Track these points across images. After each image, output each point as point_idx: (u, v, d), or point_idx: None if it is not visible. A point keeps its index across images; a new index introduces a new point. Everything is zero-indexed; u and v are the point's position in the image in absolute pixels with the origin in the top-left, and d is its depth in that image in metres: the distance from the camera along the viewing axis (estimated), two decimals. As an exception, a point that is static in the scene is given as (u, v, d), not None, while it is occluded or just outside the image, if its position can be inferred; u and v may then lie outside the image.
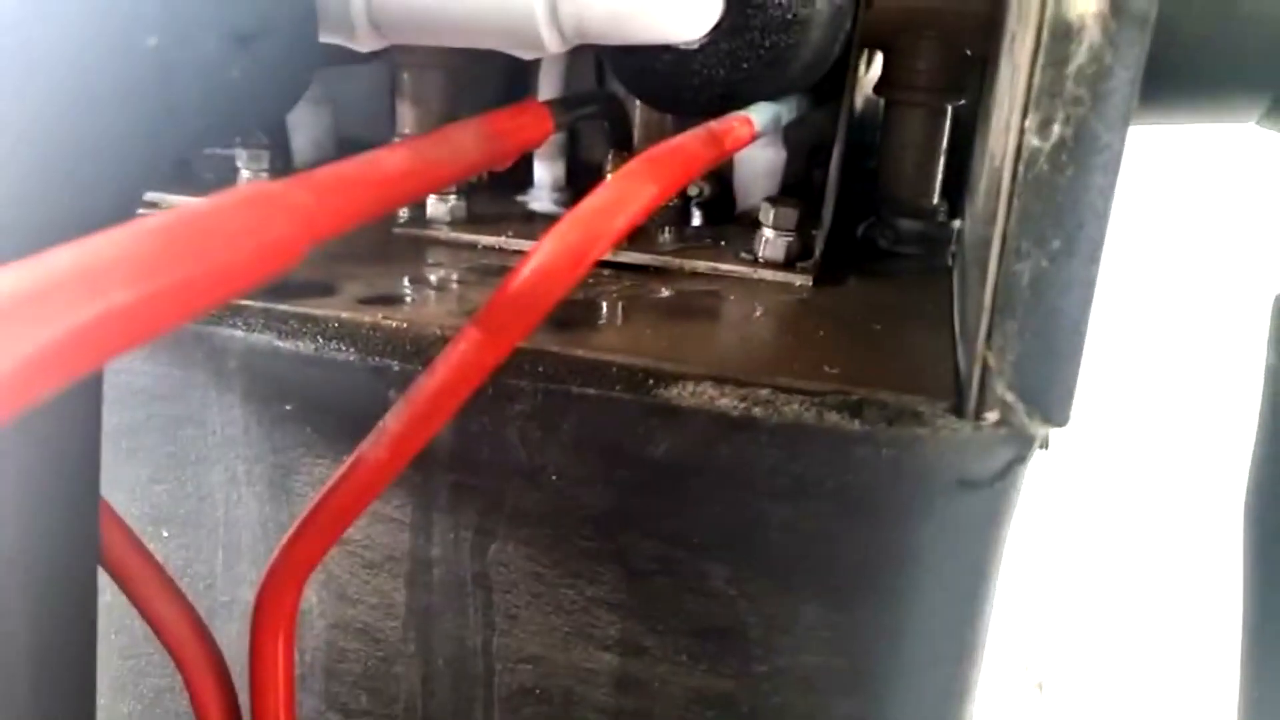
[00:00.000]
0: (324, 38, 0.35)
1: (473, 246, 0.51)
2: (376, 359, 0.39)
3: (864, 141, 0.62)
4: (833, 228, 0.50)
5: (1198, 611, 1.47)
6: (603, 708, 0.43)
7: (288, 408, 0.42)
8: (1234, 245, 2.01)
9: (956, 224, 0.57)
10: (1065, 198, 0.30)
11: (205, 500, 0.45)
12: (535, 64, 0.57)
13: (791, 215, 0.48)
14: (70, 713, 0.27)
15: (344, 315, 0.40)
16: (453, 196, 0.53)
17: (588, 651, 0.42)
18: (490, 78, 0.63)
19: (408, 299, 0.43)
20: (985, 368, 0.33)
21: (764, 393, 0.36)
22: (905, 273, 0.53)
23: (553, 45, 0.36)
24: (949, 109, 0.56)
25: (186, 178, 0.57)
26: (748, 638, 0.40)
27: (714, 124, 0.37)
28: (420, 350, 0.39)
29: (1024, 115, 0.30)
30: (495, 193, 0.59)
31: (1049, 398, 0.33)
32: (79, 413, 0.26)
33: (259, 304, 0.40)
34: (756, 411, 0.36)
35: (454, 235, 0.52)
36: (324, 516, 0.30)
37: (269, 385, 0.41)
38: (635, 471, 0.38)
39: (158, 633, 0.33)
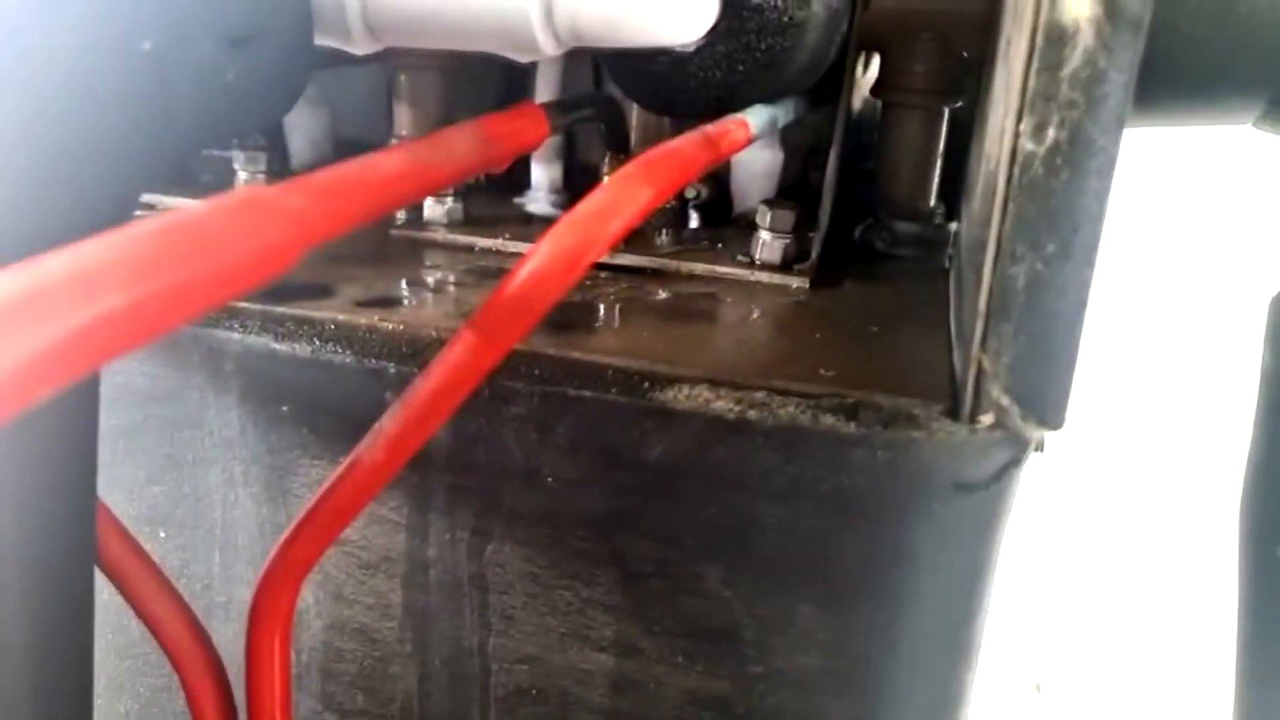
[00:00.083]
0: (320, 41, 0.35)
1: (470, 248, 0.52)
2: (373, 361, 0.40)
3: (861, 143, 0.62)
4: (830, 230, 0.50)
5: (1195, 613, 1.47)
6: (599, 708, 0.43)
7: (285, 409, 0.42)
8: (1230, 247, 2.02)
9: (953, 226, 0.57)
10: (1060, 201, 0.30)
11: (202, 501, 0.45)
12: (532, 66, 0.57)
13: (788, 218, 0.48)
14: (68, 711, 0.27)
15: (341, 317, 0.40)
16: (450, 198, 0.53)
17: (584, 652, 0.42)
18: (487, 79, 0.63)
19: (405, 301, 0.43)
20: (980, 371, 0.33)
21: (759, 395, 0.36)
22: (902, 275, 0.53)
23: (548, 48, 0.36)
24: (946, 111, 0.56)
25: (184, 179, 0.57)
26: (743, 639, 0.40)
27: (710, 127, 0.37)
28: (417, 352, 0.39)
29: (1018, 119, 0.30)
30: (492, 194, 0.59)
31: (1044, 401, 0.33)
32: (77, 414, 0.26)
33: (256, 306, 0.40)
34: (752, 414, 0.36)
35: (451, 237, 0.52)
36: (321, 517, 0.30)
37: (266, 387, 0.42)
38: (631, 473, 0.38)
39: (154, 633, 0.33)
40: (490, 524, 0.41)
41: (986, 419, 0.34)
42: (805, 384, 0.36)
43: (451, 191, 0.53)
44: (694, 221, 0.56)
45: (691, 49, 0.39)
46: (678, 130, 0.46)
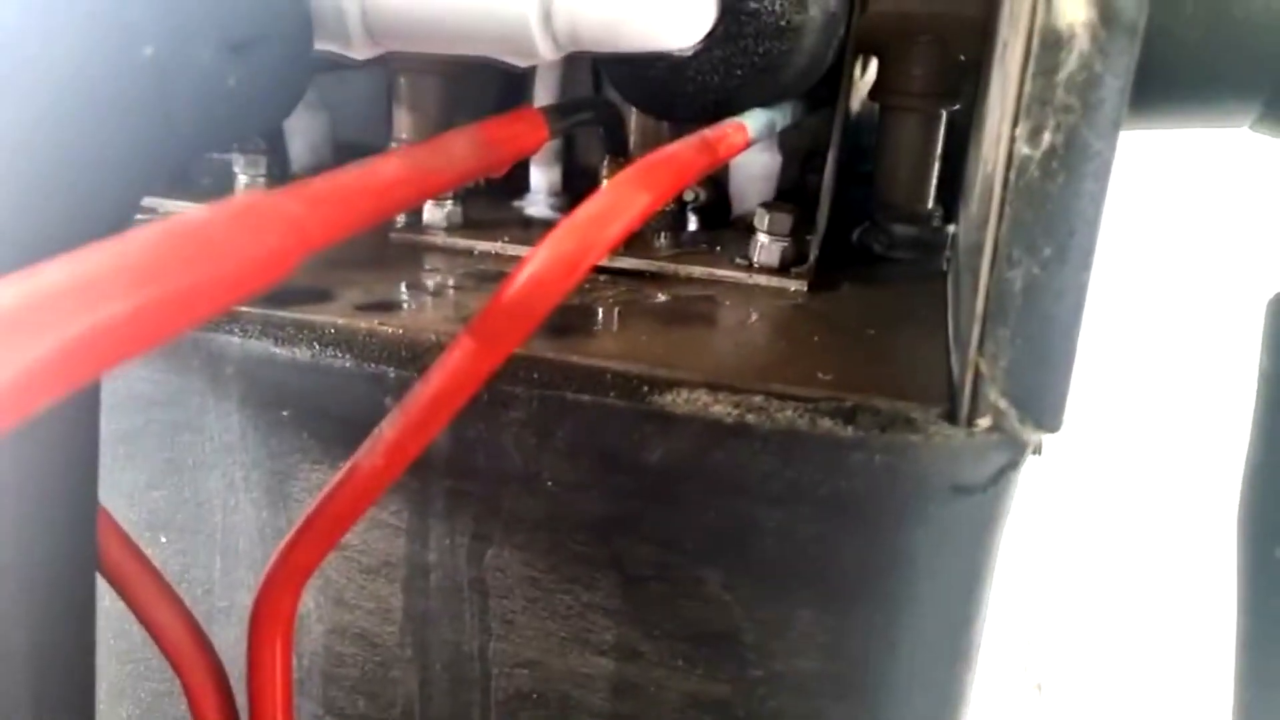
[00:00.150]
0: (320, 45, 0.35)
1: (469, 252, 0.52)
2: (373, 366, 0.40)
3: (859, 145, 0.62)
4: (827, 233, 0.50)
5: (1195, 613, 1.47)
6: (599, 712, 0.43)
7: (285, 414, 0.42)
8: (1227, 249, 2.02)
9: (951, 229, 0.57)
10: (1056, 205, 0.30)
11: (203, 506, 0.45)
12: (532, 69, 0.57)
13: (786, 221, 0.48)
14: (70, 716, 0.27)
15: (340, 322, 0.40)
16: (449, 202, 0.53)
17: (584, 656, 0.42)
18: (488, 83, 0.63)
19: (404, 305, 0.43)
20: (978, 374, 0.33)
21: (758, 399, 0.36)
22: (900, 278, 0.53)
23: (547, 53, 0.36)
24: (943, 114, 0.56)
25: (184, 182, 0.57)
26: (743, 642, 0.40)
27: (708, 131, 0.37)
28: (416, 357, 0.39)
29: (1014, 123, 0.30)
30: (491, 197, 0.59)
31: (1042, 404, 0.33)
32: (78, 419, 0.26)
33: (256, 310, 0.40)
34: (750, 418, 0.36)
35: (450, 241, 0.52)
36: (321, 522, 0.30)
37: (266, 391, 0.42)
38: (630, 477, 0.39)
39: (156, 638, 0.33)
40: (490, 528, 0.41)
41: (984, 422, 0.34)
42: (803, 388, 0.36)
43: (451, 195, 0.53)
44: (692, 224, 0.56)
45: (689, 54, 0.39)
46: (676, 133, 0.46)
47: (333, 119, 0.63)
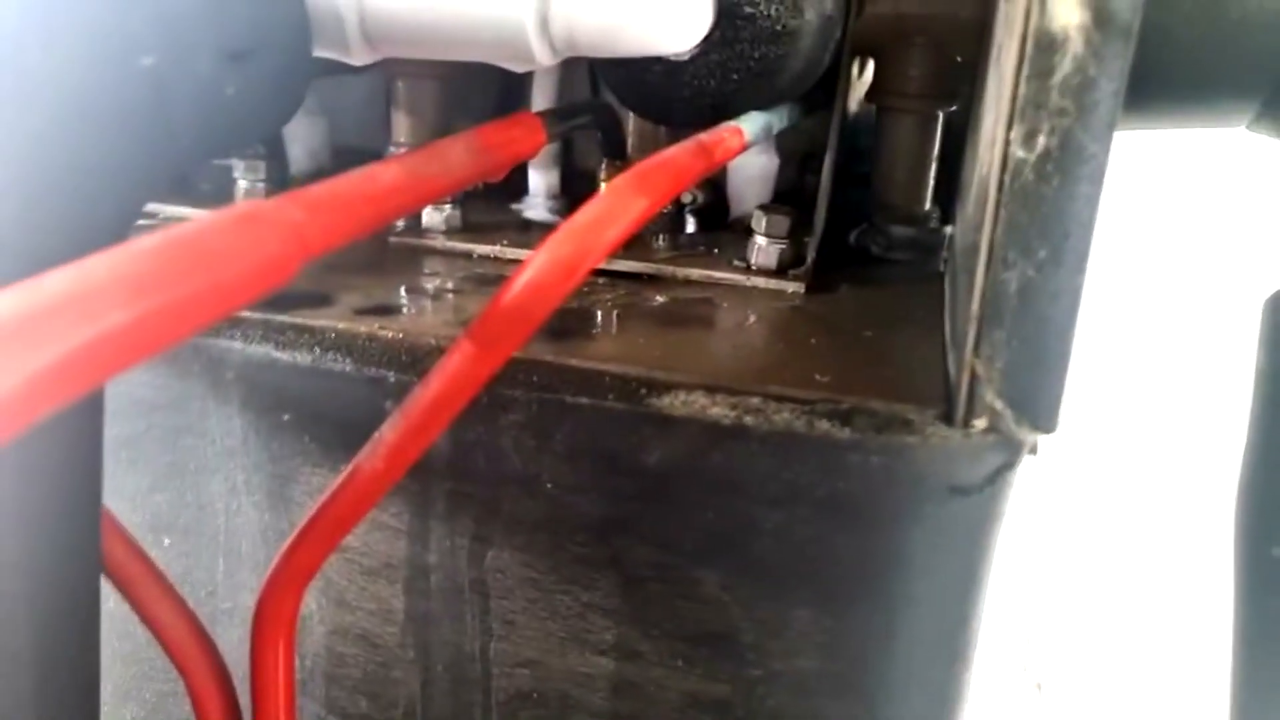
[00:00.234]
0: (318, 52, 0.36)
1: (468, 255, 0.52)
2: (373, 369, 0.40)
3: (857, 147, 0.62)
4: (825, 234, 0.50)
5: (1194, 612, 1.47)
6: (599, 711, 0.43)
7: (286, 418, 0.42)
8: (1224, 248, 2.02)
9: (948, 230, 0.57)
10: (1051, 208, 0.31)
11: (205, 509, 0.45)
12: (530, 72, 0.57)
13: (783, 223, 0.49)
14: (75, 717, 0.28)
15: (340, 326, 0.40)
16: (448, 205, 0.53)
17: (583, 656, 0.42)
18: (486, 85, 0.63)
19: (404, 309, 0.43)
20: (974, 376, 0.33)
21: (755, 401, 0.36)
22: (897, 279, 0.53)
23: (543, 58, 0.36)
24: (940, 115, 0.56)
25: (183, 188, 0.57)
26: (741, 642, 0.40)
27: (704, 135, 0.37)
28: (416, 361, 0.40)
29: (1009, 126, 0.30)
30: (490, 201, 0.59)
31: (1037, 405, 0.33)
32: (82, 425, 0.26)
33: (257, 315, 0.41)
34: (748, 420, 0.36)
35: (450, 244, 0.52)
36: (323, 524, 0.30)
37: (267, 396, 0.42)
38: (629, 479, 0.39)
39: (160, 639, 0.33)
40: (490, 530, 0.42)
41: (980, 423, 0.34)
42: (800, 389, 0.37)
43: (450, 199, 0.53)
44: (690, 226, 0.57)
45: (686, 58, 0.40)
46: (674, 136, 0.47)
47: (331, 124, 0.63)
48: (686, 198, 0.57)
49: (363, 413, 0.40)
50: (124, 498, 0.46)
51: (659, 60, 0.40)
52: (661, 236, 0.53)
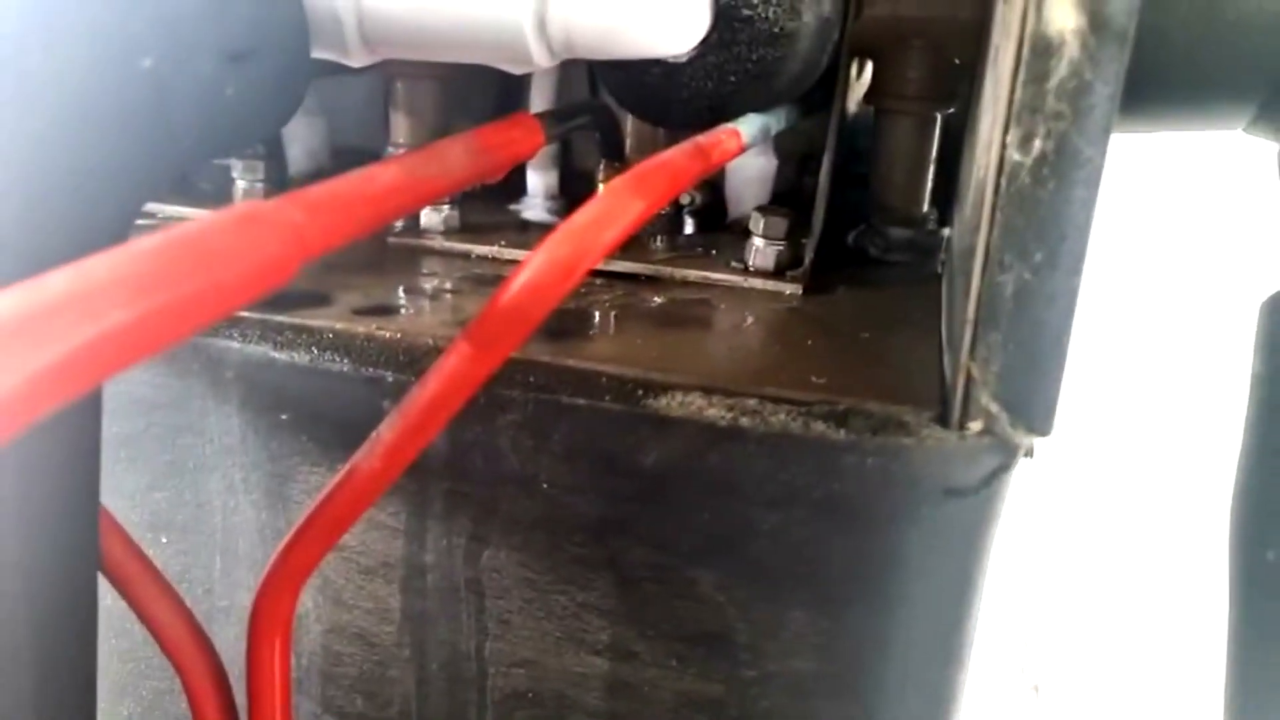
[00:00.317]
0: (317, 54, 0.36)
1: (466, 256, 0.52)
2: (371, 369, 0.40)
3: (855, 148, 0.63)
4: (823, 236, 0.50)
5: (1191, 614, 1.48)
6: (594, 711, 0.43)
7: (284, 417, 0.42)
8: (1220, 252, 2.02)
9: (946, 232, 0.58)
10: (1047, 211, 0.31)
11: (203, 507, 0.45)
12: (528, 73, 0.57)
13: (781, 224, 0.49)
14: (72, 714, 0.28)
15: (338, 326, 0.41)
16: (446, 206, 0.53)
17: (579, 656, 0.42)
18: (485, 86, 0.64)
19: (402, 309, 0.43)
20: (969, 378, 0.34)
21: (751, 403, 0.37)
22: (895, 280, 0.53)
23: (541, 60, 0.36)
24: (938, 117, 0.56)
25: (183, 187, 0.58)
26: (736, 643, 0.40)
27: (702, 137, 0.37)
28: (414, 361, 0.40)
29: (1005, 130, 0.31)
30: (488, 201, 0.59)
31: (1032, 408, 0.33)
32: (81, 423, 0.26)
33: (255, 315, 0.41)
34: (744, 421, 0.36)
35: (448, 245, 0.52)
36: (320, 523, 0.30)
37: (265, 395, 0.42)
38: (626, 480, 0.39)
39: (157, 637, 0.33)
40: (487, 530, 0.42)
41: (976, 426, 0.34)
42: (796, 391, 0.37)
43: (448, 199, 0.53)
44: (689, 227, 0.57)
45: (683, 60, 0.40)
46: (671, 138, 0.47)
47: (330, 124, 0.63)
48: (685, 199, 0.57)
49: (361, 412, 0.40)
50: (122, 496, 0.46)
51: (657, 62, 0.40)
52: (659, 237, 0.53)
